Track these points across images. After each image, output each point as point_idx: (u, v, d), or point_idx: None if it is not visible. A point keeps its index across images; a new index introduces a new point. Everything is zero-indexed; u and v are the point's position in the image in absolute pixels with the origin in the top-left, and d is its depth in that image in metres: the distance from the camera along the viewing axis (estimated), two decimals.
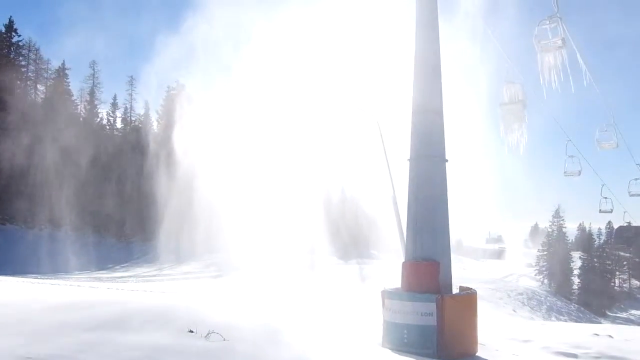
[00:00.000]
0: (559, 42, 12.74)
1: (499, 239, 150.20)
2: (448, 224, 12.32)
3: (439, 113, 12.40)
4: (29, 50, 74.01)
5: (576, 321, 61.79)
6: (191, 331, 9.72)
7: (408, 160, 12.49)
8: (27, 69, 74.35)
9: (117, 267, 60.14)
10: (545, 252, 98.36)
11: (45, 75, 76.70)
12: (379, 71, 15.93)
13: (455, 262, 12.94)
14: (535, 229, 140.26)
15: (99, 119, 79.24)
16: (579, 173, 21.50)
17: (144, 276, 52.93)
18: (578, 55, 13.79)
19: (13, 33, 70.88)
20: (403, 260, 12.36)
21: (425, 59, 12.48)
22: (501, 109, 14.72)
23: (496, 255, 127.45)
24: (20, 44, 72.16)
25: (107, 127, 80.00)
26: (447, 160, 12.41)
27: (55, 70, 75.41)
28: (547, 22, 12.77)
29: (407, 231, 12.39)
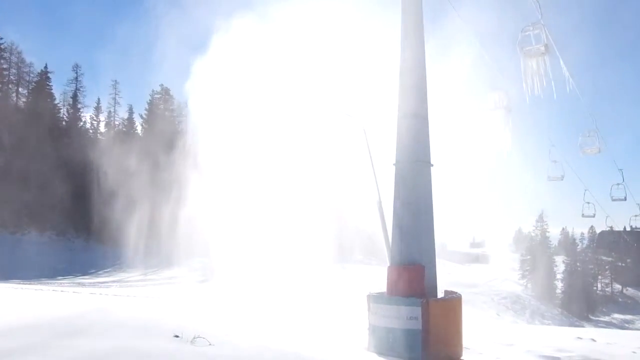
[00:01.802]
0: (542, 49, 12.86)
1: (483, 244, 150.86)
2: (433, 228, 12.36)
3: (424, 118, 12.46)
4: (11, 53, 73.31)
5: (559, 325, 62.25)
6: (177, 336, 9.69)
7: (394, 164, 12.53)
8: (9, 72, 73.60)
9: (100, 272, 59.63)
10: (529, 257, 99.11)
11: (28, 78, 75.98)
12: (364, 76, 15.96)
13: (439, 266, 13.00)
14: (519, 233, 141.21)
15: (82, 123, 78.58)
16: (562, 178, 21.73)
17: (127, 281, 52.54)
18: (561, 62, 13.95)
19: None
20: (388, 264, 12.39)
21: (410, 65, 12.54)
22: (486, 115, 14.82)
23: (480, 260, 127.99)
24: (2, 46, 71.49)
25: (91, 131, 79.37)
26: (432, 165, 12.46)
27: (38, 73, 74.75)
28: (531, 29, 12.89)
29: (392, 235, 12.42)
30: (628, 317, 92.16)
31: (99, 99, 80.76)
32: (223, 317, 14.80)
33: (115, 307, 16.01)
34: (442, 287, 12.70)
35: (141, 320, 11.63)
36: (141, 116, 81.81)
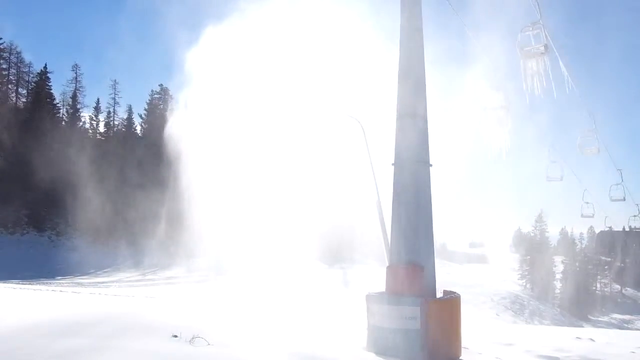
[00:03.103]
0: (542, 49, 12.85)
1: (482, 244, 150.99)
2: (432, 229, 12.36)
3: (423, 118, 12.45)
4: (10, 54, 73.36)
5: (558, 325, 62.28)
6: (175, 336, 9.68)
7: (392, 164, 12.52)
8: (8, 72, 73.62)
9: (100, 272, 59.56)
10: (528, 257, 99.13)
11: (27, 78, 76.03)
12: (363, 75, 15.97)
13: (439, 266, 12.99)
14: (518, 233, 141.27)
15: (81, 123, 78.60)
16: (561, 178, 21.71)
17: (126, 281, 52.50)
18: (560, 62, 13.95)
19: None
20: (387, 264, 12.38)
21: (409, 65, 12.54)
22: (485, 115, 14.81)
23: (480, 260, 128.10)
24: (1, 46, 71.51)
25: (90, 131, 79.38)
26: (431, 165, 12.46)
27: (37, 73, 74.73)
28: (530, 29, 12.89)
29: (391, 235, 12.41)
30: (627, 317, 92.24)
31: (98, 99, 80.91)
32: (222, 317, 14.79)
33: (113, 307, 16.00)
34: (441, 287, 12.70)
35: (140, 320, 11.61)
36: (140, 116, 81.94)
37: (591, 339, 15.59)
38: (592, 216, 26.34)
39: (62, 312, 12.72)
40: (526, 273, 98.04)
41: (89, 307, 15.27)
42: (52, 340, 8.58)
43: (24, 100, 74.14)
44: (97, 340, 8.92)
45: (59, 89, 79.37)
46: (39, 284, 38.86)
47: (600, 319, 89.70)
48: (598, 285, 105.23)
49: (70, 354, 7.87)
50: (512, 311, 72.06)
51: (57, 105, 76.99)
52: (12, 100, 72.80)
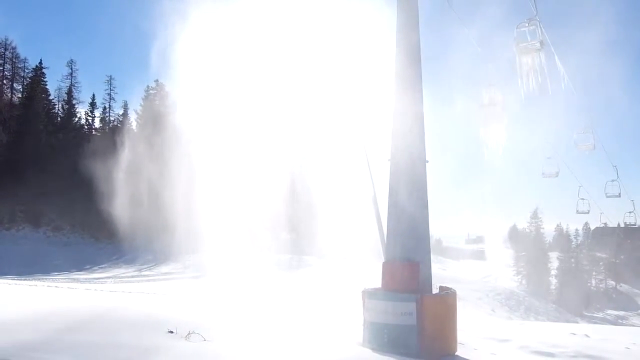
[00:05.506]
0: (538, 45, 12.84)
1: (478, 240, 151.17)
2: (428, 225, 12.38)
3: (419, 114, 12.46)
4: (5, 49, 73.17)
5: (554, 321, 62.42)
6: (171, 332, 9.68)
7: (389, 160, 12.53)
8: (4, 68, 73.40)
9: (95, 267, 59.46)
10: (524, 253, 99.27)
11: (22, 74, 75.79)
12: (359, 70, 15.95)
13: (435, 262, 13.04)
14: (513, 229, 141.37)
15: (77, 119, 78.37)
16: (557, 174, 21.74)
17: (122, 277, 52.43)
18: (556, 58, 13.96)
19: None
20: (383, 260, 12.40)
21: (405, 60, 12.53)
22: (480, 111, 14.81)
23: (475, 256, 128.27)
24: None
25: (86, 127, 79.17)
26: (427, 161, 12.46)
27: (33, 69, 74.46)
28: (526, 25, 12.88)
29: (387, 231, 12.42)
30: (622, 313, 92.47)
31: (93, 94, 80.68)
32: (218, 313, 14.80)
33: (109, 303, 15.99)
34: (437, 282, 12.71)
35: (135, 315, 11.61)
36: (136, 112, 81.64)
37: (586, 335, 15.65)
38: (588, 212, 26.37)
39: (55, 308, 12.70)
40: (522, 269, 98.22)
41: (83, 303, 15.25)
42: (48, 337, 8.57)
43: (19, 95, 73.86)
44: (93, 336, 8.91)
45: (54, 85, 79.12)
46: (35, 279, 38.77)
47: (595, 315, 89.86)
48: (593, 282, 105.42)
49: (66, 348, 7.86)
50: (508, 307, 72.14)
51: (53, 100, 76.80)
52: (7, 95, 72.58)
